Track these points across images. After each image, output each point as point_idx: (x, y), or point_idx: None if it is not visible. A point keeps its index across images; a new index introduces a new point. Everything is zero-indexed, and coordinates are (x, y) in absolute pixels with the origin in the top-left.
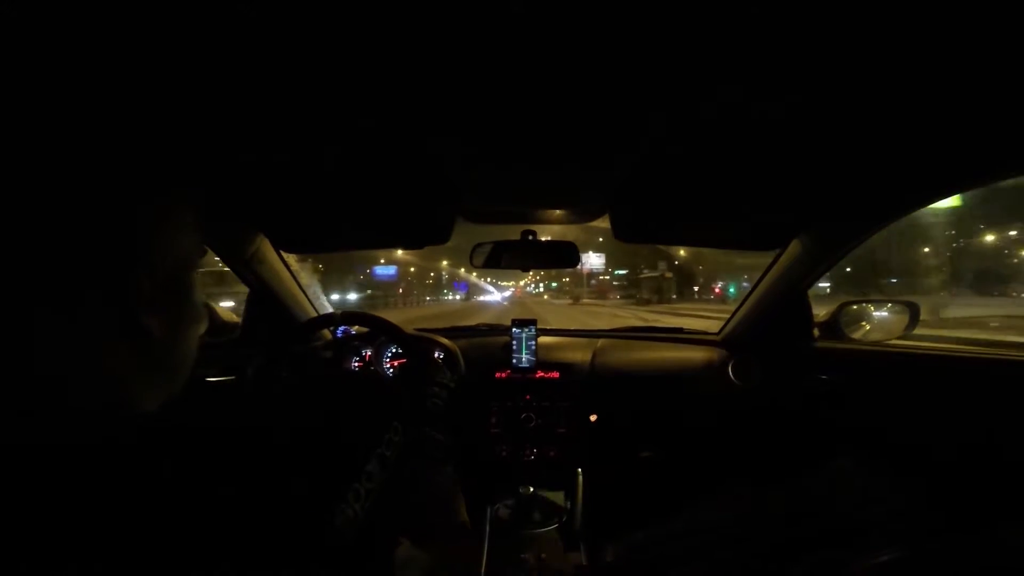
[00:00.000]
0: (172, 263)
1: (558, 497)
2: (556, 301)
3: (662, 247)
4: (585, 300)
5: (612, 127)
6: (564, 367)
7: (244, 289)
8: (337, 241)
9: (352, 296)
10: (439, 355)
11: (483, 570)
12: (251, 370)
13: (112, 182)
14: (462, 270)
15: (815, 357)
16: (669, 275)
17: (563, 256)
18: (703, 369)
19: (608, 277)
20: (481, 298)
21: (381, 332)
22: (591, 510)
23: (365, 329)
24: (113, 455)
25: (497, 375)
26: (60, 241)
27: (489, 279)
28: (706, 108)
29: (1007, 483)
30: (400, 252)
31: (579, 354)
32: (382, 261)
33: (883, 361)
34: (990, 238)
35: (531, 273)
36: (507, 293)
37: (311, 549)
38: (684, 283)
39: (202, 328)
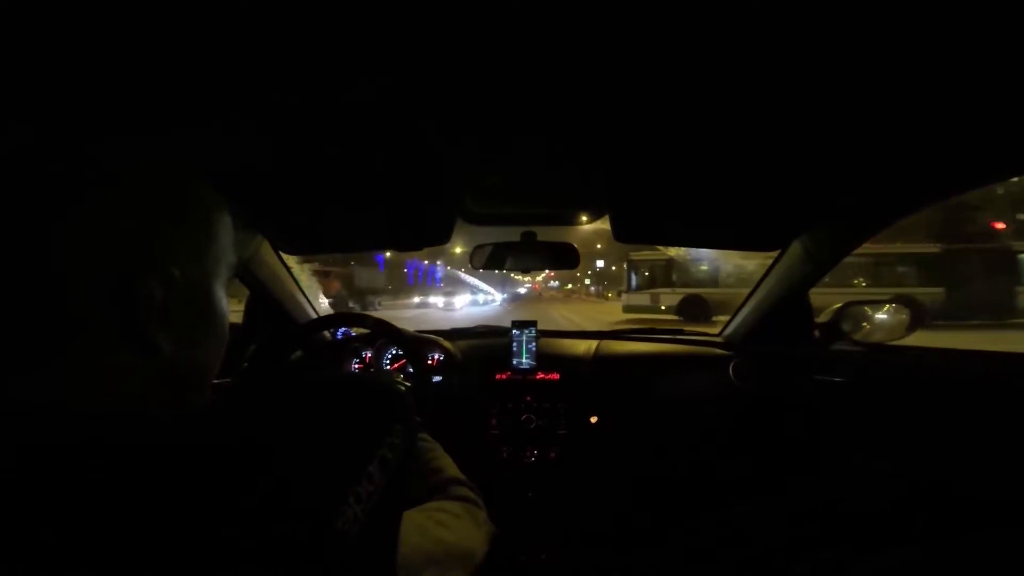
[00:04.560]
0: (192, 273)
1: (559, 499)
2: None
3: None
4: None
5: (612, 127)
6: (564, 368)
7: None
8: (336, 242)
9: None
10: (440, 357)
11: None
12: (251, 372)
13: (117, 185)
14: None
15: (816, 358)
16: None
17: (563, 257)
18: (703, 370)
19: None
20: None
21: (381, 334)
22: (592, 511)
23: (365, 331)
24: (111, 456)
25: (497, 376)
26: (57, 245)
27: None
28: (706, 108)
29: (1008, 484)
30: None
31: (579, 355)
32: None
33: (884, 362)
34: None
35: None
36: (521, 290)
37: (312, 551)
38: None
39: (222, 343)
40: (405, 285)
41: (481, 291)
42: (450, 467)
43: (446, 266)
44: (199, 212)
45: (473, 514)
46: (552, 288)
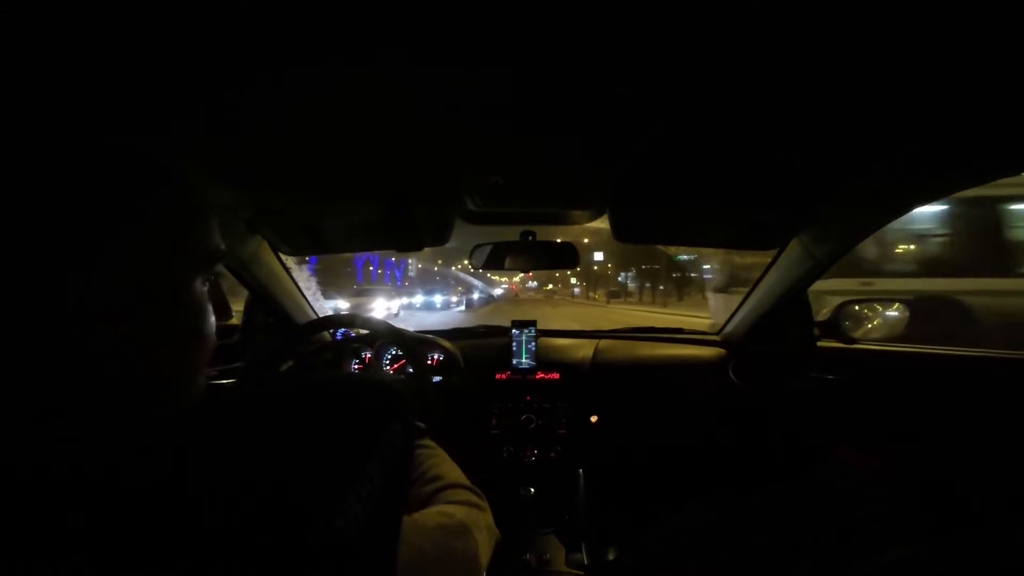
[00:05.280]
0: (154, 271)
1: (559, 498)
2: None
3: None
4: None
5: (611, 127)
6: (564, 368)
7: None
8: (335, 243)
9: None
10: (439, 357)
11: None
12: (251, 373)
13: (61, 180)
14: None
15: (815, 356)
16: None
17: (562, 257)
18: (703, 369)
19: None
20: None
21: (381, 334)
22: (592, 511)
23: (365, 331)
24: (103, 458)
25: (497, 376)
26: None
27: (460, 266)
28: (705, 108)
29: (1006, 481)
30: None
31: (579, 355)
32: None
33: (883, 360)
34: None
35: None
36: (497, 291)
37: (312, 551)
38: None
39: (201, 340)
40: (354, 283)
41: (439, 291)
42: (451, 472)
43: (418, 263)
44: (157, 203)
45: (475, 518)
46: (530, 288)
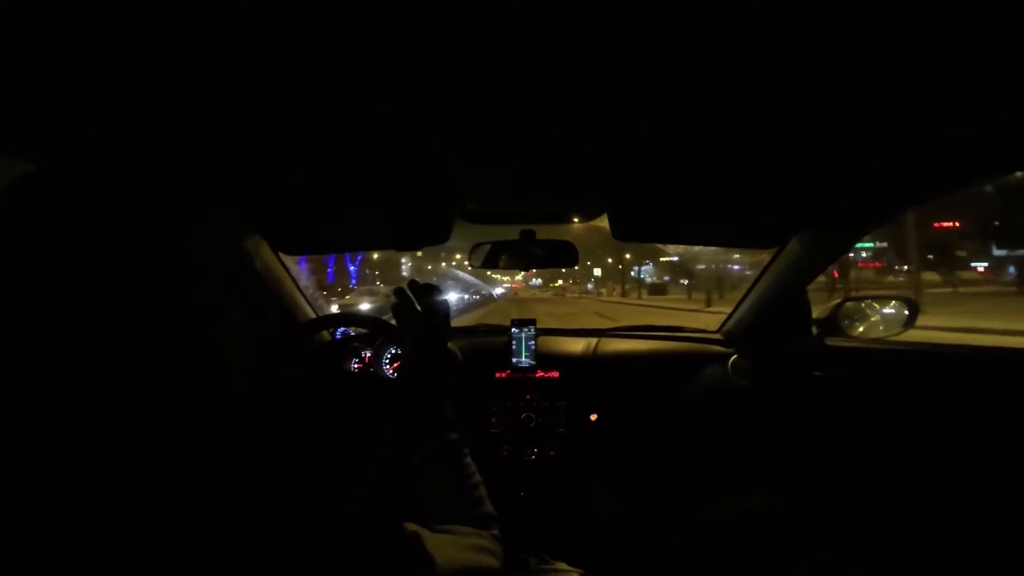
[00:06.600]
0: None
1: (559, 497)
2: None
3: None
4: None
5: (610, 126)
6: (564, 366)
7: None
8: (334, 242)
9: None
10: None
11: None
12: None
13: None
14: None
15: (813, 354)
16: None
17: (562, 256)
18: (702, 367)
19: None
20: None
21: (380, 333)
22: (592, 509)
23: (364, 330)
24: (116, 455)
25: (497, 375)
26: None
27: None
28: (704, 107)
29: (1008, 479)
30: None
31: (579, 353)
32: None
33: (882, 356)
34: None
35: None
36: (498, 291)
37: (316, 550)
38: None
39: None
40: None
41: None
42: (486, 502)
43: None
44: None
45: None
46: (533, 287)
